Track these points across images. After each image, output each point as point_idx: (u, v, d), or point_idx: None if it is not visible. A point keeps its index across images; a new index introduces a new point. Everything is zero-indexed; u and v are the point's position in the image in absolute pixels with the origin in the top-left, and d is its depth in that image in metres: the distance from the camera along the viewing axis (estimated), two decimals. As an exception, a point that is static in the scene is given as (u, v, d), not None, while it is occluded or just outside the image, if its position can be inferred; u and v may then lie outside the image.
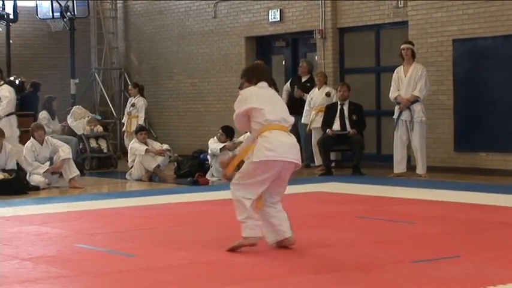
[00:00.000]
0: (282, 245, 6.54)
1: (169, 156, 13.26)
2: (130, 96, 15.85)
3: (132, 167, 13.08)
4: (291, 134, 6.58)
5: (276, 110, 6.51)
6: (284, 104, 6.79)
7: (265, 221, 6.50)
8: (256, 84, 6.61)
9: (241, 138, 13.42)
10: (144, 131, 13.27)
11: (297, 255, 6.34)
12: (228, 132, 12.93)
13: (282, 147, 6.34)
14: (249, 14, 16.09)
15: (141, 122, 15.12)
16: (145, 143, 13.05)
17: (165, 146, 13.26)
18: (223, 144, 12.72)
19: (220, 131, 13.00)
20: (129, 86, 16.28)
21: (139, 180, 12.86)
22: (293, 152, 6.42)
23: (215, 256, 6.37)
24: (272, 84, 7.11)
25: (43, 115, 14.82)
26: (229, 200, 10.14)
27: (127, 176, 13.13)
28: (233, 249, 6.43)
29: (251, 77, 6.68)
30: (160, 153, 13.00)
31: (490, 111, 12.48)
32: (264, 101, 6.48)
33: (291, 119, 6.65)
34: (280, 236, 6.54)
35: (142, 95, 15.38)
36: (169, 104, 17.92)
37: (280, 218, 6.52)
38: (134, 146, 13.06)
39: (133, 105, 15.27)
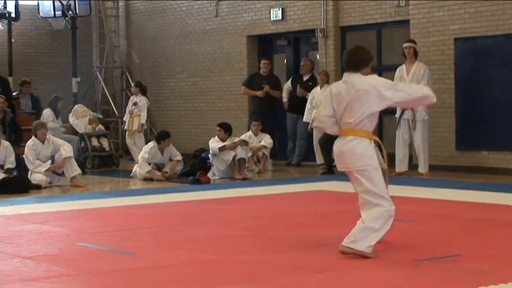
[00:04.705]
0: None
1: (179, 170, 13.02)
2: (132, 95, 15.85)
3: (137, 163, 12.95)
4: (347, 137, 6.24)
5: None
6: None
7: None
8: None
9: (243, 137, 13.43)
10: (168, 138, 12.89)
11: (298, 254, 6.34)
12: (226, 128, 12.91)
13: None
14: (250, 13, 16.09)
15: (143, 121, 15.15)
16: (162, 152, 12.84)
17: (177, 157, 12.97)
18: (222, 144, 12.70)
19: (217, 128, 12.98)
20: (132, 85, 16.30)
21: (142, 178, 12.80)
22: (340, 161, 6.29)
23: (217, 255, 6.37)
24: None
25: (47, 113, 14.83)
26: (230, 198, 10.23)
27: (132, 174, 13.00)
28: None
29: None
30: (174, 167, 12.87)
31: (491, 109, 12.47)
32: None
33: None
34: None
35: (144, 95, 15.39)
36: (171, 103, 17.93)
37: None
38: (141, 155, 12.88)
39: (135, 104, 15.27)
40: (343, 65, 6.44)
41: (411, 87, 6.65)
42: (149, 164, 12.72)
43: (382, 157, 6.32)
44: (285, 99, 14.85)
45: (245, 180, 12.52)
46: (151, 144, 12.96)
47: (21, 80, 16.46)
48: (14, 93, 15.98)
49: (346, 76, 6.33)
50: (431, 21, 13.10)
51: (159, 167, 12.90)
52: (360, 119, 6.16)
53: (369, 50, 6.75)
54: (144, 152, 12.83)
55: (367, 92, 6.16)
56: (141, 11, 18.70)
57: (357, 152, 6.15)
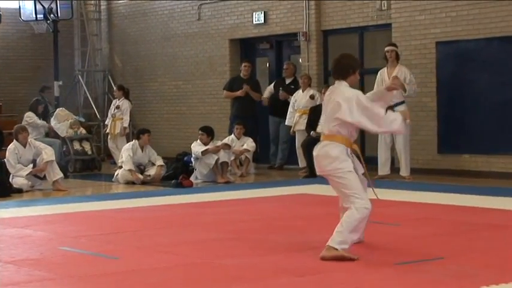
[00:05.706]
0: None
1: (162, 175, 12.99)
2: (114, 98, 15.80)
3: (120, 167, 12.91)
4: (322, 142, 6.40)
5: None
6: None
7: None
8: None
9: (225, 140, 13.43)
10: (148, 133, 12.94)
11: (281, 257, 6.35)
12: (208, 132, 12.92)
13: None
14: (233, 16, 16.09)
15: (126, 124, 15.09)
16: (142, 149, 12.85)
17: (159, 162, 12.98)
18: (205, 147, 12.69)
19: (200, 131, 12.98)
20: (114, 88, 16.23)
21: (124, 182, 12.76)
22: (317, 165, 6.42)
23: (200, 258, 6.36)
24: None
25: (30, 115, 14.76)
26: (213, 202, 10.22)
27: (114, 179, 12.98)
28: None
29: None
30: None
31: (473, 113, 12.54)
32: None
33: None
34: None
35: (127, 98, 15.33)
36: (153, 106, 17.90)
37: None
38: (126, 153, 12.82)
39: (117, 107, 15.22)
40: (331, 73, 6.54)
41: (385, 120, 6.35)
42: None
43: (361, 163, 6.46)
44: (266, 102, 14.85)
45: (228, 183, 12.51)
46: (132, 142, 13.05)
47: (41, 86, 16.52)
48: (35, 98, 15.85)
49: (335, 84, 6.46)
50: (413, 25, 13.16)
51: (140, 169, 12.87)
52: (334, 127, 6.31)
53: (354, 55, 6.77)
54: (126, 150, 12.82)
55: (339, 104, 6.27)
56: (123, 14, 18.66)
57: (331, 155, 6.29)
